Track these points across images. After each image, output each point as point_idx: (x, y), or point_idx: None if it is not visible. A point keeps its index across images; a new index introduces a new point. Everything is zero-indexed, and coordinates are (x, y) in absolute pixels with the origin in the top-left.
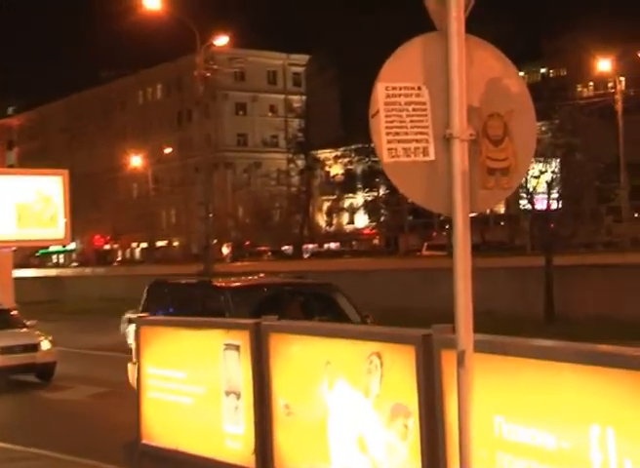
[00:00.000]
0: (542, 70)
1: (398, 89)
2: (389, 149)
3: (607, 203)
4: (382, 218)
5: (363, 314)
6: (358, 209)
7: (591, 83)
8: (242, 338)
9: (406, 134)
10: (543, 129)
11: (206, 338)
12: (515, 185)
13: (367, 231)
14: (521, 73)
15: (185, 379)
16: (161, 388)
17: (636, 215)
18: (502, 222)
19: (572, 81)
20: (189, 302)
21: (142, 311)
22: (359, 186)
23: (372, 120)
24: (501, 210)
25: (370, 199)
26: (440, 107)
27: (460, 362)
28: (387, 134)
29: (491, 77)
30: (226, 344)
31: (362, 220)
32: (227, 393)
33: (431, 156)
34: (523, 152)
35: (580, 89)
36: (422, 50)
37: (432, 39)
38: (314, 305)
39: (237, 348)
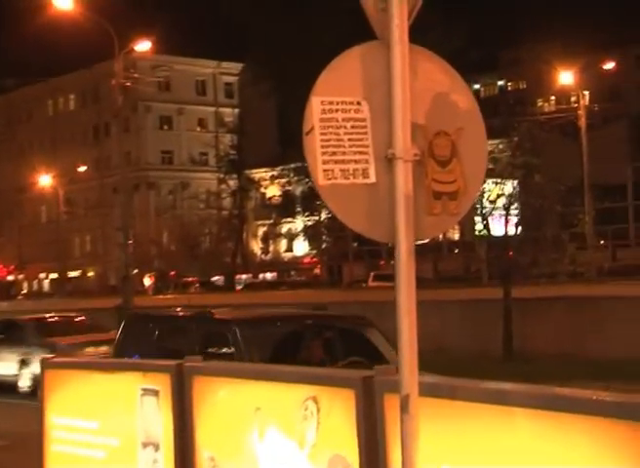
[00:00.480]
0: (500, 83)
1: (335, 103)
2: (325, 170)
3: (570, 229)
4: (324, 245)
5: None
6: (297, 235)
7: (553, 97)
8: (161, 382)
9: (344, 153)
10: (501, 147)
11: (120, 383)
12: (464, 211)
13: (307, 260)
14: (476, 86)
15: (97, 430)
16: (68, 440)
17: (602, 242)
18: (457, 250)
19: (531, 95)
20: (183, 341)
21: (117, 354)
22: (298, 210)
23: (306, 138)
24: (456, 236)
25: (310, 224)
26: (381, 124)
27: (404, 407)
28: (323, 153)
29: (437, 92)
30: (144, 389)
31: (302, 248)
32: (145, 445)
33: (372, 178)
34: (473, 174)
35: (540, 103)
36: (362, 61)
37: (372, 49)
38: (342, 344)
39: (156, 393)
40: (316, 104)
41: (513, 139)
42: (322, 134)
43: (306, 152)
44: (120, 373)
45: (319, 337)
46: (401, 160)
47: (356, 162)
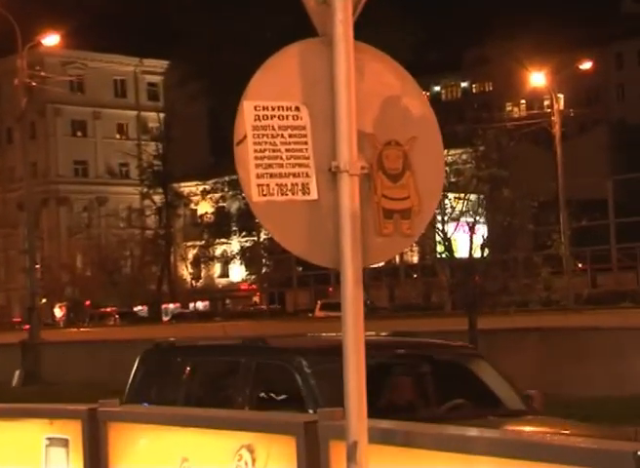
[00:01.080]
0: (464, 84)
1: (271, 109)
2: (260, 185)
3: (544, 251)
4: (264, 270)
5: (524, 392)
6: (233, 258)
7: (523, 101)
8: (71, 431)
9: (281, 166)
10: (464, 157)
11: (21, 432)
12: (419, 231)
13: (244, 286)
14: (437, 88)
15: None
16: None
17: (580, 266)
18: (416, 275)
19: (499, 98)
20: (227, 381)
21: (129, 400)
22: (234, 229)
23: (237, 148)
24: (414, 259)
25: (248, 245)
26: (324, 133)
27: (351, 456)
28: (257, 166)
29: (387, 96)
30: (50, 439)
31: (238, 273)
32: None
33: (313, 194)
34: (428, 189)
35: (509, 108)
36: (301, 60)
37: (313, 47)
38: (442, 381)
39: (65, 443)
40: (249, 110)
41: (478, 149)
42: (256, 143)
43: (238, 164)
44: (21, 421)
45: (411, 372)
46: (346, 173)
47: (295, 176)
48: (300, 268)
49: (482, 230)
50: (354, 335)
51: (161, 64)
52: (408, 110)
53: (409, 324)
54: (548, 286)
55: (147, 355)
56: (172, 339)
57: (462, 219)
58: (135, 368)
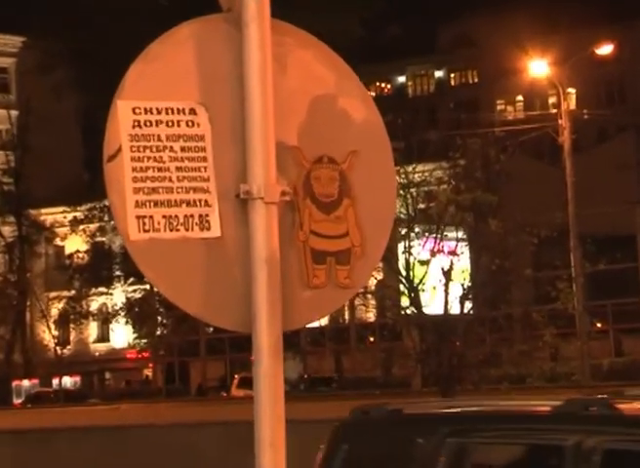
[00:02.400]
0: (438, 74)
1: (156, 112)
2: (139, 217)
3: (547, 304)
4: (160, 332)
5: None
6: (116, 315)
7: (520, 97)
8: None
9: (170, 191)
10: (438, 175)
11: None
12: (362, 280)
13: (132, 354)
14: (401, 78)
15: None
16: None
17: (599, 326)
18: (372, 338)
19: (487, 93)
20: None
21: None
22: (117, 274)
23: (108, 166)
24: (370, 316)
25: (137, 296)
26: (230, 146)
27: None
28: (136, 190)
29: (317, 95)
30: None
31: (123, 336)
32: None
33: (214, 230)
34: (375, 223)
35: (501, 107)
36: (197, 45)
37: (214, 27)
38: None
39: None
40: (125, 113)
41: (458, 164)
42: (134, 159)
43: (110, 188)
44: None
45: None
46: (260, 201)
47: (189, 204)
48: (211, 329)
49: (462, 276)
50: (270, 427)
51: (13, 42)
52: (346, 115)
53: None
54: (555, 354)
55: (348, 430)
56: (393, 403)
57: (436, 262)
58: (324, 452)
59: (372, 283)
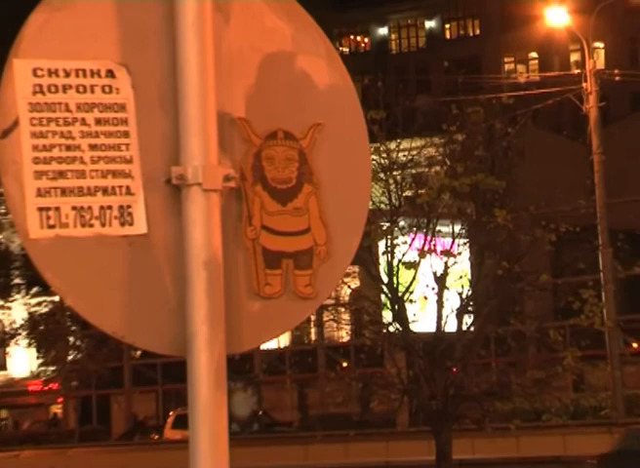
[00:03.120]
0: (430, 24)
1: (63, 74)
2: (42, 210)
3: (568, 319)
4: (71, 356)
5: None
6: (15, 335)
7: (534, 54)
8: None
9: (82, 175)
10: (428, 154)
11: None
12: (327, 289)
13: (35, 386)
14: (382, 30)
15: None
16: None
17: (635, 346)
18: (345, 363)
19: (492, 49)
20: None
21: None
22: (16, 282)
23: (0, 143)
24: (343, 335)
25: (43, 310)
26: (158, 119)
27: None
28: (38, 175)
29: (270, 53)
30: None
31: (24, 362)
32: None
33: (138, 226)
34: (344, 216)
35: (509, 66)
36: None
37: None
38: None
39: None
40: (23, 75)
41: (454, 140)
42: (36, 135)
43: (4, 172)
44: None
45: None
46: (198, 188)
47: (107, 192)
48: (138, 353)
49: (460, 283)
50: None
51: None
52: (307, 78)
53: (333, 452)
54: (578, 382)
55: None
56: None
57: (426, 265)
58: None
59: (345, 292)
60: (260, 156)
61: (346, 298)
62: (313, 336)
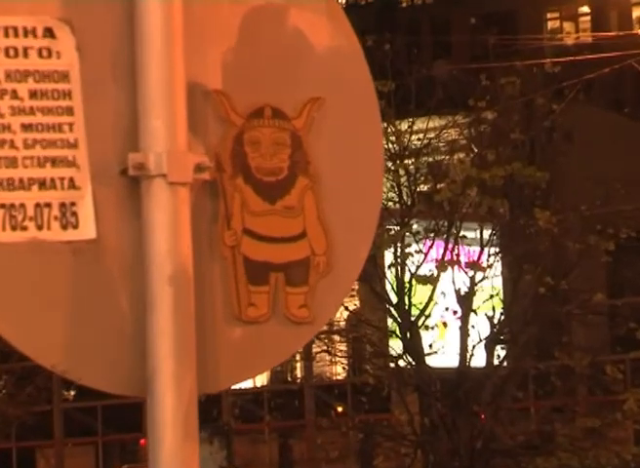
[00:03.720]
0: None
1: None
2: None
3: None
4: None
5: None
6: None
7: (585, 9)
8: None
9: (12, 164)
10: (449, 135)
11: None
12: (329, 313)
13: None
14: None
15: None
16: None
17: None
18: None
19: (531, 2)
20: None
21: None
22: None
23: None
24: (339, 371)
25: None
26: (111, 91)
27: None
28: None
29: (253, 7)
30: None
31: None
32: None
33: (85, 229)
34: (350, 217)
35: (553, 24)
36: None
37: None
38: None
39: None
40: None
41: (482, 119)
42: None
43: None
44: None
45: None
46: (162, 181)
47: (44, 186)
48: (72, 393)
49: (490, 305)
50: None
51: None
52: (302, 40)
53: None
54: None
55: None
56: None
57: (447, 280)
58: None
59: (340, 316)
60: (241, 140)
61: (342, 323)
62: (299, 372)
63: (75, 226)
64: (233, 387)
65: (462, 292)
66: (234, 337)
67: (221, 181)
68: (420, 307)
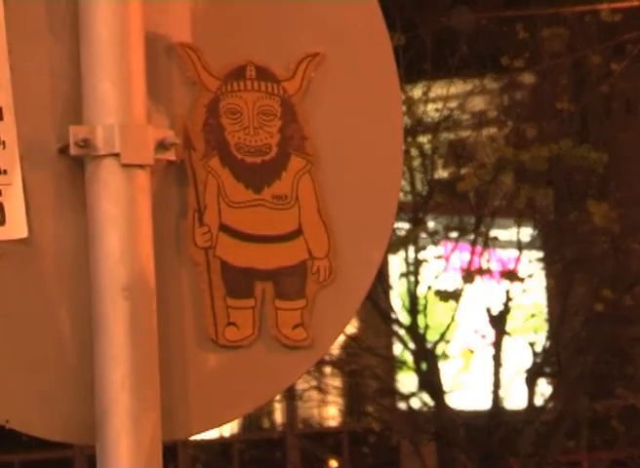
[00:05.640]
0: None
1: None
2: None
3: None
4: None
5: None
6: None
7: None
8: None
9: None
10: (474, 104)
11: None
12: (331, 335)
13: None
14: None
15: None
16: None
17: None
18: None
19: None
20: None
21: None
22: None
23: None
24: (332, 414)
25: None
26: (45, 44)
27: None
28: None
29: None
30: None
31: None
32: None
33: (15, 226)
34: (357, 210)
35: None
36: None
37: None
38: None
39: None
40: None
41: (518, 83)
42: None
43: None
44: None
45: None
46: (114, 162)
47: None
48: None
49: (531, 326)
50: None
51: None
52: None
53: None
54: None
55: None
56: None
57: (473, 294)
58: None
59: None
60: (216, 109)
61: (337, 351)
62: (280, 417)
63: (1, 223)
64: (193, 437)
65: (495, 311)
66: (209, 366)
67: (191, 163)
68: (440, 330)
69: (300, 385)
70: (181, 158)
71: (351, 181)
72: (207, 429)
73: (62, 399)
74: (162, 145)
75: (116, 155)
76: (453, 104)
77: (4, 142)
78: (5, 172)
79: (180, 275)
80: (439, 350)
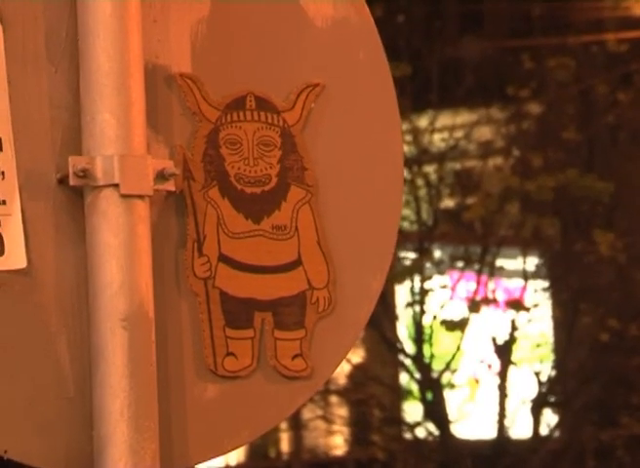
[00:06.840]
0: None
1: None
2: None
3: None
4: None
5: None
6: None
7: None
8: None
9: None
10: (481, 133)
11: None
12: (331, 366)
13: None
14: None
15: None
16: None
17: None
18: None
19: None
20: None
21: None
22: None
23: None
24: (337, 443)
25: None
26: (44, 74)
27: None
28: None
29: None
30: None
31: None
32: None
33: (12, 257)
34: (357, 240)
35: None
36: None
37: None
38: None
39: None
40: None
41: (525, 113)
42: None
43: None
44: None
45: None
46: (113, 192)
47: None
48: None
49: (537, 356)
50: None
51: None
52: (298, 10)
53: None
54: None
55: None
56: None
57: (479, 324)
58: None
59: (339, 370)
60: (216, 139)
61: (343, 381)
62: (286, 446)
63: (0, 253)
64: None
65: (500, 341)
66: (208, 397)
67: (191, 193)
68: (445, 360)
69: (306, 414)
70: (181, 188)
71: (351, 212)
72: (206, 459)
73: (61, 429)
74: (161, 176)
75: (116, 185)
76: (459, 134)
77: (3, 173)
78: (4, 202)
79: (179, 305)
80: (445, 379)
